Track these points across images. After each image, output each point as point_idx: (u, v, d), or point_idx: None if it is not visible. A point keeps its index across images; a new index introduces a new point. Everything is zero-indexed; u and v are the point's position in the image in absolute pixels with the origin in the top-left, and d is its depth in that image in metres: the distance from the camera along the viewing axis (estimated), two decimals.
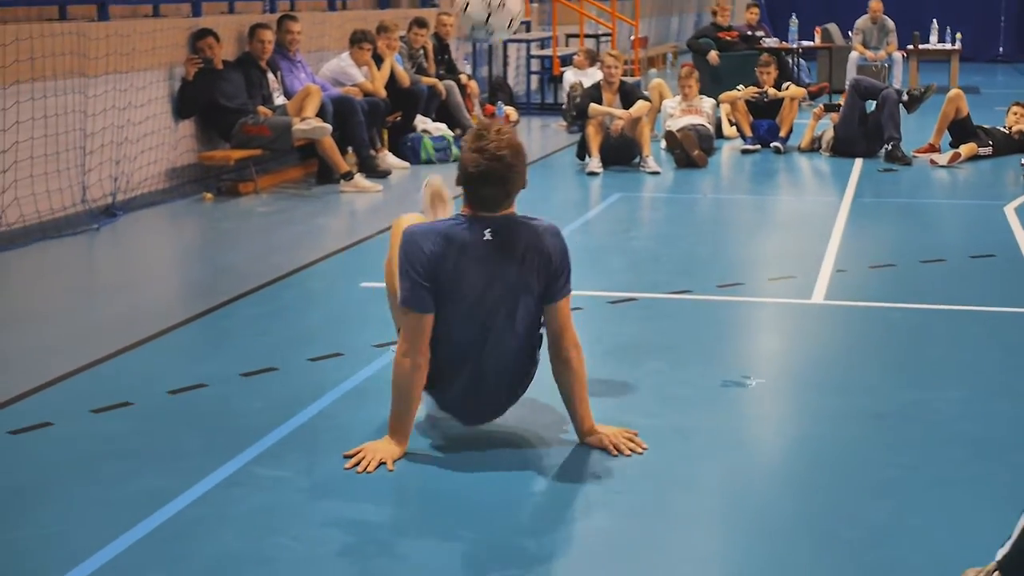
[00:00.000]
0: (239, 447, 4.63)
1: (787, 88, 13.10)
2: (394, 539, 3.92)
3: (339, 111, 11.10)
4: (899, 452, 4.58)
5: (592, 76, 14.99)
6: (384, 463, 4.47)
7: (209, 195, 10.29)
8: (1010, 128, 12.60)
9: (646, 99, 11.96)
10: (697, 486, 4.33)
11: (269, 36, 11.05)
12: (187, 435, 4.84)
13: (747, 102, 13.06)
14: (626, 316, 6.63)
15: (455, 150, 12.32)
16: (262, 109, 10.66)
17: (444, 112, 13.31)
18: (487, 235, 4.44)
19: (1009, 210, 9.49)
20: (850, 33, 18.97)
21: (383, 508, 4.17)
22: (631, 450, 4.56)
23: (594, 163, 11.50)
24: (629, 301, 6.88)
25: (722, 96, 13.37)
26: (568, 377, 4.63)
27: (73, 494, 4.25)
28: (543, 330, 4.68)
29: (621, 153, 11.85)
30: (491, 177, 4.34)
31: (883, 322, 6.46)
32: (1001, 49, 26.79)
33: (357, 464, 4.45)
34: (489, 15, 5.71)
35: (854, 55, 18.25)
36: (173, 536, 3.91)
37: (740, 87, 13.31)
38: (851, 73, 18.07)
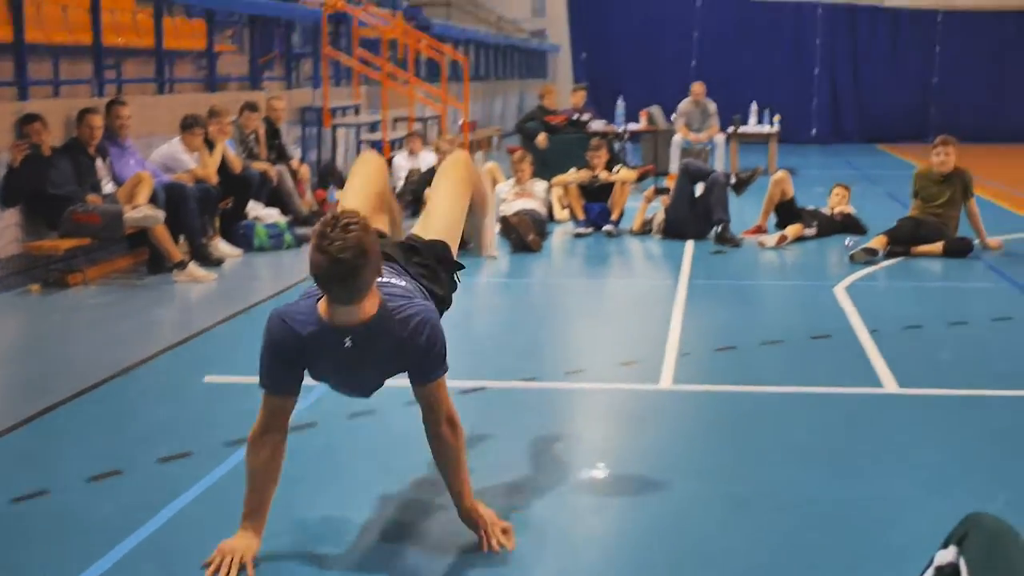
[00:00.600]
0: (88, 559, 4.43)
1: (618, 171, 13.30)
2: None
3: (171, 198, 10.89)
4: (765, 536, 4.61)
5: (424, 160, 15.06)
6: (244, 565, 4.32)
7: (36, 287, 9.96)
8: (832, 209, 12.99)
9: None
10: None
11: (98, 121, 10.79)
12: (30, 549, 4.61)
13: (579, 185, 13.21)
14: (477, 405, 6.58)
15: (288, 237, 12.20)
16: (91, 197, 10.40)
17: (276, 198, 13.17)
18: (347, 343, 4.28)
19: (839, 290, 9.74)
20: (673, 116, 19.41)
21: None
22: (500, 544, 4.50)
23: None
24: (478, 391, 6.84)
25: (554, 180, 13.51)
26: (443, 452, 4.56)
27: None
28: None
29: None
30: (335, 278, 4.12)
31: (733, 405, 6.54)
32: (814, 131, 27.76)
33: (217, 570, 4.29)
34: None
35: (677, 137, 18.67)
36: None
37: (572, 171, 13.46)
38: (675, 155, 18.52)
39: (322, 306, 4.29)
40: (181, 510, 4.96)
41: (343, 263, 4.08)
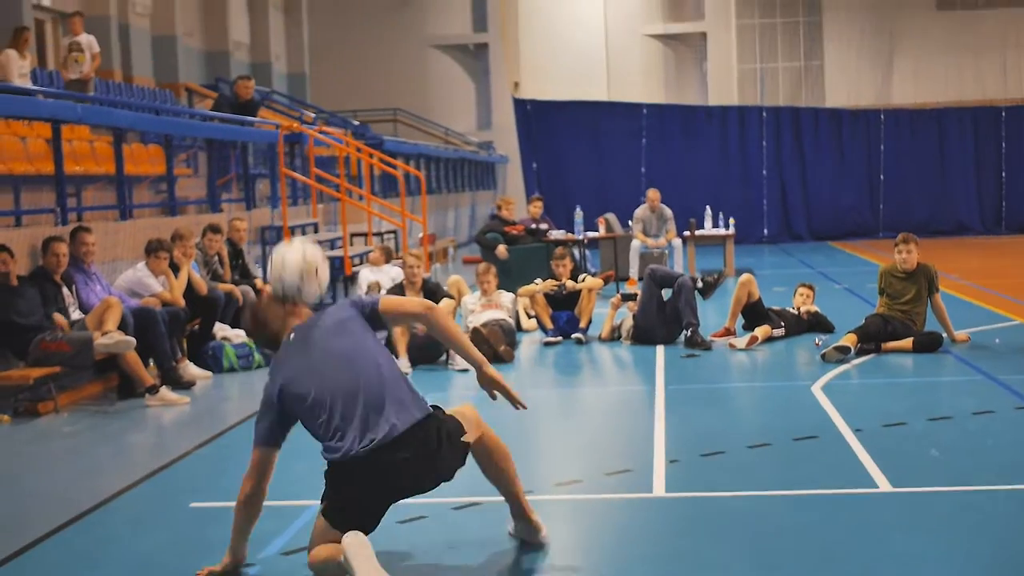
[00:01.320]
0: None
1: (583, 279, 13.34)
2: None
3: (140, 323, 10.80)
4: None
5: (388, 273, 15.05)
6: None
7: (6, 417, 9.80)
8: (798, 309, 13.07)
9: (449, 297, 12.01)
10: None
11: (64, 249, 10.73)
12: None
13: (545, 295, 13.24)
14: (473, 522, 6.50)
15: (257, 357, 12.11)
16: (59, 319, 10.30)
17: (241, 318, 13.09)
18: (290, 337, 5.62)
19: (816, 390, 9.77)
20: (630, 222, 19.57)
21: None
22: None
23: (402, 364, 11.42)
24: (472, 506, 6.76)
25: (521, 290, 13.53)
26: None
27: None
28: None
29: (428, 352, 11.83)
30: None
31: (730, 512, 6.49)
32: (765, 231, 28.06)
33: None
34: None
35: (636, 243, 18.81)
36: None
37: (538, 281, 13.50)
38: (634, 260, 18.66)
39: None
40: None
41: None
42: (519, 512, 5.96)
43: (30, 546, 6.30)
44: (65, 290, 10.77)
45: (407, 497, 5.57)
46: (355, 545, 5.16)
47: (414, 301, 5.86)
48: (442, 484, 5.62)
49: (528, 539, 5.99)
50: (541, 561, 5.84)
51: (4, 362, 10.30)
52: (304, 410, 5.44)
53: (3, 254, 10.11)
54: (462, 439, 5.57)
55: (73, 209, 12.85)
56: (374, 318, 5.69)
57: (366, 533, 5.34)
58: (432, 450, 5.44)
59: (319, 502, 5.51)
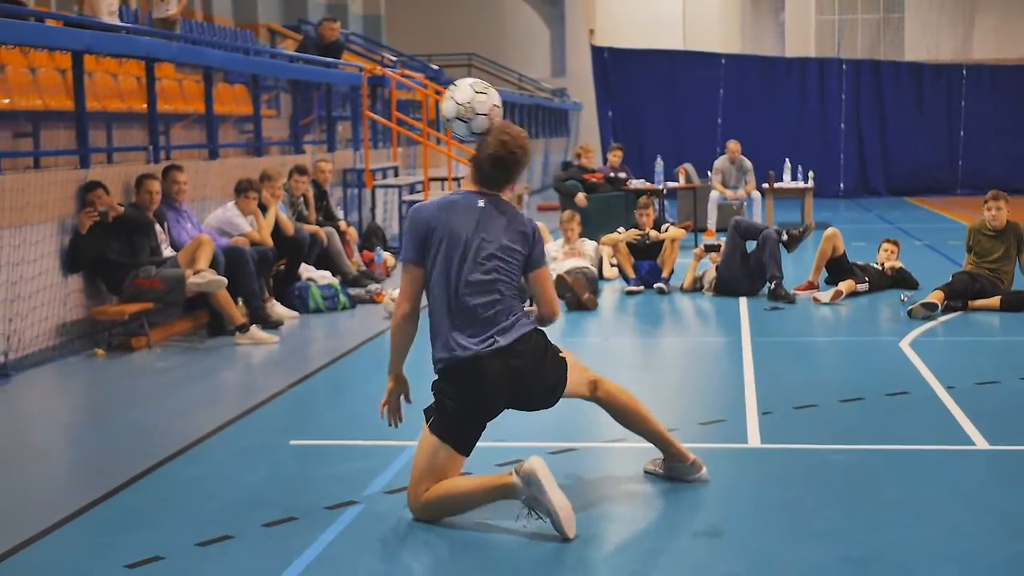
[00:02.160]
0: None
1: (666, 230, 13.32)
2: None
3: (230, 261, 10.94)
4: None
5: None
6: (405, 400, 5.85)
7: (101, 351, 10.00)
8: (882, 264, 12.99)
9: None
10: None
11: (157, 187, 10.88)
12: None
13: (628, 244, 13.24)
14: (568, 466, 6.57)
15: (343, 298, 12.23)
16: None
17: (324, 259, 13.22)
18: (480, 203, 5.63)
19: (904, 346, 9.74)
20: (709, 173, 19.49)
21: None
22: None
23: None
24: (569, 451, 6.83)
25: (604, 238, 13.53)
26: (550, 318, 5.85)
27: None
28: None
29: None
30: (506, 163, 5.61)
31: (827, 465, 6.50)
32: (842, 185, 27.83)
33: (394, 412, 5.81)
34: (468, 126, 5.75)
35: (714, 195, 18.74)
36: None
37: (621, 229, 13.49)
38: (712, 212, 18.59)
39: (466, 184, 5.74)
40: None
41: (515, 154, 5.64)
42: (670, 451, 6.13)
43: (136, 478, 6.44)
44: (157, 227, 10.91)
45: (517, 406, 5.82)
46: (540, 466, 5.37)
47: (553, 297, 5.84)
48: (541, 411, 5.95)
49: (686, 478, 6.12)
50: (641, 507, 5.90)
51: (99, 297, 10.48)
52: (437, 273, 5.58)
53: (98, 191, 10.26)
54: (560, 354, 5.83)
55: (163, 147, 12.98)
56: (526, 266, 5.73)
57: (470, 450, 5.65)
58: (540, 358, 5.68)
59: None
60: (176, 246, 11.06)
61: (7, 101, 10.85)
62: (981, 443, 6.86)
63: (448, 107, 5.77)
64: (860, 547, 5.19)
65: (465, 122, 5.73)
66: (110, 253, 10.28)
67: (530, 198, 26.36)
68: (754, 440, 7.02)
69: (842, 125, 27.96)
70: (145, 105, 12.29)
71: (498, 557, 5.18)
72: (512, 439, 7.04)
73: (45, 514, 5.81)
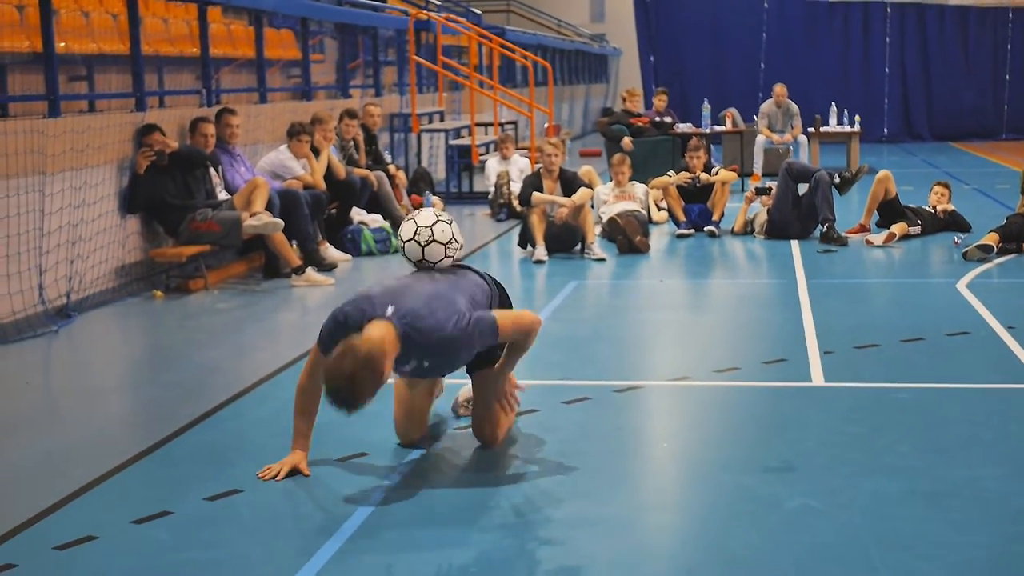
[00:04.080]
0: (304, 552, 4.50)
1: (716, 172, 13.28)
2: None
3: (285, 204, 10.98)
4: (972, 532, 4.61)
5: (516, 164, 15.11)
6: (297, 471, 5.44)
7: (159, 293, 10.08)
8: (934, 207, 12.93)
9: (586, 186, 12.02)
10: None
11: (211, 130, 10.94)
12: (243, 539, 4.69)
13: (678, 187, 13.21)
14: (636, 405, 6.61)
15: (395, 240, 12.27)
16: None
17: (374, 203, 13.25)
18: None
19: (962, 287, 9.72)
20: (755, 117, 19.40)
21: None
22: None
23: (540, 251, 11.52)
24: (634, 389, 6.86)
25: (654, 181, 13.51)
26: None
27: None
28: None
29: (563, 240, 11.90)
30: (337, 397, 5.01)
31: (892, 402, 6.52)
32: (886, 130, 27.63)
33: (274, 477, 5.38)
34: (423, 250, 5.62)
35: (760, 139, 18.65)
36: None
37: (671, 172, 13.46)
38: (758, 156, 18.53)
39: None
40: (379, 506, 5.02)
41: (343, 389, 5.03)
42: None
43: (206, 415, 6.52)
44: (212, 170, 10.96)
45: None
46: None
47: (525, 320, 5.53)
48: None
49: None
50: (709, 444, 5.93)
51: (157, 240, 10.56)
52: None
53: (156, 133, 10.31)
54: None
55: (214, 91, 13.01)
56: (483, 338, 5.37)
57: None
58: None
59: None
60: (230, 189, 11.12)
61: (62, 44, 10.89)
62: None
63: (407, 228, 5.65)
64: (932, 481, 5.21)
65: (420, 246, 5.60)
66: (166, 195, 10.34)
67: (572, 143, 26.31)
68: (818, 378, 7.04)
69: (886, 69, 27.73)
70: (195, 49, 12.31)
71: (576, 486, 5.23)
72: (579, 378, 7.10)
73: (121, 448, 5.90)
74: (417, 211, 5.80)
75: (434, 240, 5.62)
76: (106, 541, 4.71)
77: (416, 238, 5.62)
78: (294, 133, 11.87)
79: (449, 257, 5.68)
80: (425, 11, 19.69)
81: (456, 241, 5.68)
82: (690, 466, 5.65)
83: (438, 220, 5.67)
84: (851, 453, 5.65)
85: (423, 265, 5.64)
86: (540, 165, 12.08)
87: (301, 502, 5.15)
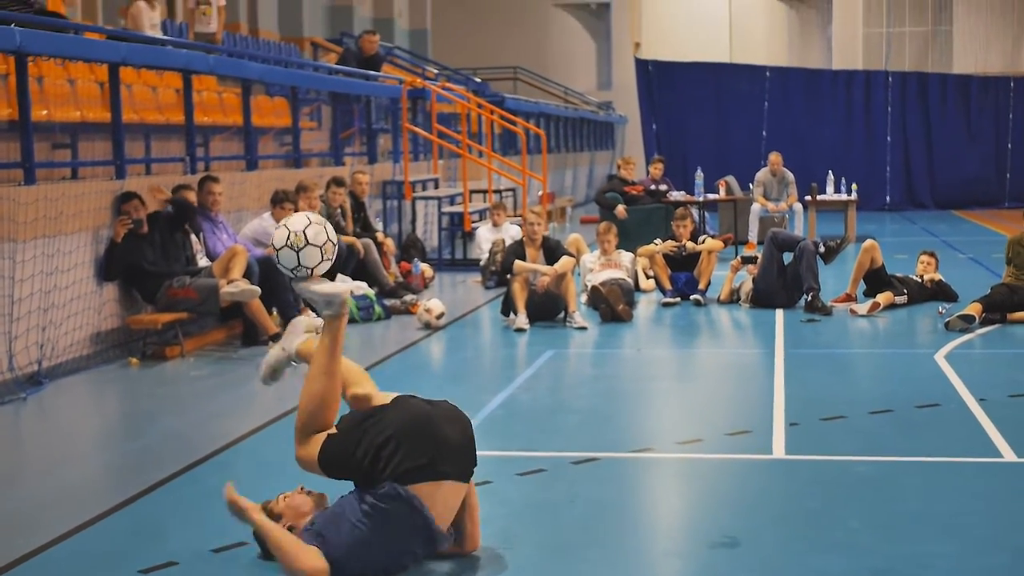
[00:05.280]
0: None
1: (703, 241, 13.26)
2: None
3: (264, 271, 10.97)
4: None
5: (507, 231, 15.12)
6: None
7: (135, 360, 10.06)
8: (922, 277, 12.87)
9: (570, 255, 12.00)
10: None
11: (192, 197, 10.95)
12: None
13: (664, 255, 13.19)
14: (592, 477, 6.54)
15: (378, 308, 12.26)
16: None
17: (362, 270, 13.24)
18: None
19: (939, 358, 9.64)
20: (751, 185, 19.39)
21: None
22: None
23: (521, 319, 11.48)
24: (591, 461, 6.79)
25: (641, 250, 13.49)
26: None
27: None
28: None
29: (546, 309, 11.86)
30: None
31: (851, 476, 6.44)
32: (888, 199, 27.60)
33: None
34: (297, 255, 5.18)
35: (756, 207, 18.63)
36: None
37: (657, 241, 13.44)
38: (753, 224, 18.49)
39: None
40: None
41: None
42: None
43: (164, 481, 6.48)
44: (193, 237, 10.97)
45: None
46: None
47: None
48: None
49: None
50: (661, 514, 5.87)
51: (134, 306, 10.55)
52: None
53: (135, 201, 10.34)
54: None
55: (201, 158, 13.07)
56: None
57: None
58: None
59: None
60: (211, 256, 11.13)
61: (44, 112, 10.95)
62: (1009, 455, 6.77)
63: (279, 235, 5.23)
64: (881, 558, 5.13)
65: (295, 251, 5.18)
66: (144, 262, 10.35)
67: (573, 211, 26.37)
68: (779, 451, 6.97)
69: (888, 138, 27.74)
70: (183, 117, 12.37)
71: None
72: (539, 449, 7.04)
73: (68, 517, 5.84)
74: (287, 217, 5.41)
75: (308, 244, 5.18)
76: None
77: (289, 244, 5.18)
78: (277, 200, 11.89)
79: (327, 261, 5.27)
80: (421, 79, 19.80)
81: (331, 242, 5.26)
82: (636, 539, 5.57)
83: (310, 223, 5.24)
84: (802, 528, 5.57)
85: (300, 272, 5.23)
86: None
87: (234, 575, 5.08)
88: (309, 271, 5.22)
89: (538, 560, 5.19)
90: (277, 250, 5.22)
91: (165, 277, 10.44)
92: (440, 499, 4.98)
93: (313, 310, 5.69)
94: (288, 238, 5.18)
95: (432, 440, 5.00)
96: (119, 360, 10.07)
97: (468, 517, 5.22)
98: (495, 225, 15.35)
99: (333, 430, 5.27)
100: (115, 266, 10.18)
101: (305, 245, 5.18)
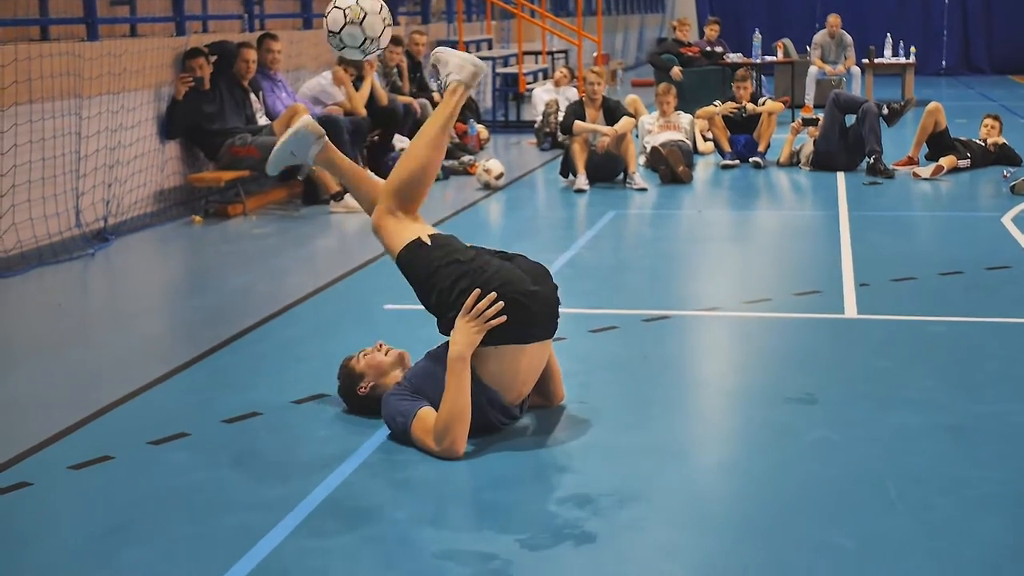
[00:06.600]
0: (321, 469, 4.50)
1: (763, 103, 13.10)
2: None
3: (324, 130, 10.90)
4: (991, 468, 4.53)
5: (564, 93, 14.99)
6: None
7: (198, 218, 10.10)
8: (984, 140, 12.70)
9: (629, 115, 11.89)
10: (789, 507, 4.24)
11: (253, 56, 10.89)
12: (261, 465, 4.69)
13: (724, 117, 13.05)
14: (661, 332, 6.55)
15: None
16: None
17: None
18: None
19: (1007, 221, 9.55)
20: (808, 47, 19.10)
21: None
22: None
23: (581, 180, 11.43)
24: (663, 319, 6.80)
25: (699, 112, 13.35)
26: None
27: (165, 531, 4.09)
28: None
29: (605, 170, 11.80)
30: None
31: (924, 335, 6.42)
32: (944, 63, 27.17)
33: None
34: (362, 27, 5.01)
35: (813, 70, 18.38)
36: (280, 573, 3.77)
37: (717, 102, 13.29)
38: (810, 87, 18.27)
39: None
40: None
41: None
42: None
43: (237, 336, 6.54)
44: (253, 96, 10.94)
45: None
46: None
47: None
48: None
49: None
50: (734, 374, 5.88)
51: (196, 164, 10.57)
52: None
53: (200, 59, 10.29)
54: None
55: (258, 15, 12.97)
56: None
57: None
58: None
59: None
60: (271, 115, 11.10)
61: None
62: None
63: (334, 17, 5.05)
64: (957, 415, 5.12)
65: (357, 24, 5.00)
66: (204, 120, 10.33)
67: (624, 74, 26.08)
68: (851, 311, 6.94)
69: (946, 0, 27.20)
70: None
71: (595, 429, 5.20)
72: (607, 307, 7.06)
73: (147, 370, 5.92)
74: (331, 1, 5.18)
75: (367, 14, 5.04)
76: (121, 462, 4.73)
77: (349, 20, 5.02)
78: (338, 60, 11.80)
79: (388, 27, 5.13)
80: None
81: (385, 6, 5.12)
82: (710, 396, 5.60)
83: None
84: (876, 386, 5.56)
85: (370, 47, 5.10)
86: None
87: (319, 425, 5.14)
88: (377, 42, 5.10)
89: (613, 415, 5.21)
90: (338, 32, 5.06)
91: (226, 135, 10.43)
92: (525, 360, 4.91)
93: (437, 76, 5.44)
94: (346, 15, 5.04)
95: (526, 311, 4.83)
96: (183, 218, 10.13)
97: (551, 375, 5.22)
98: (556, 86, 15.21)
99: (427, 238, 5.10)
100: (177, 124, 10.17)
101: (364, 16, 5.05)
